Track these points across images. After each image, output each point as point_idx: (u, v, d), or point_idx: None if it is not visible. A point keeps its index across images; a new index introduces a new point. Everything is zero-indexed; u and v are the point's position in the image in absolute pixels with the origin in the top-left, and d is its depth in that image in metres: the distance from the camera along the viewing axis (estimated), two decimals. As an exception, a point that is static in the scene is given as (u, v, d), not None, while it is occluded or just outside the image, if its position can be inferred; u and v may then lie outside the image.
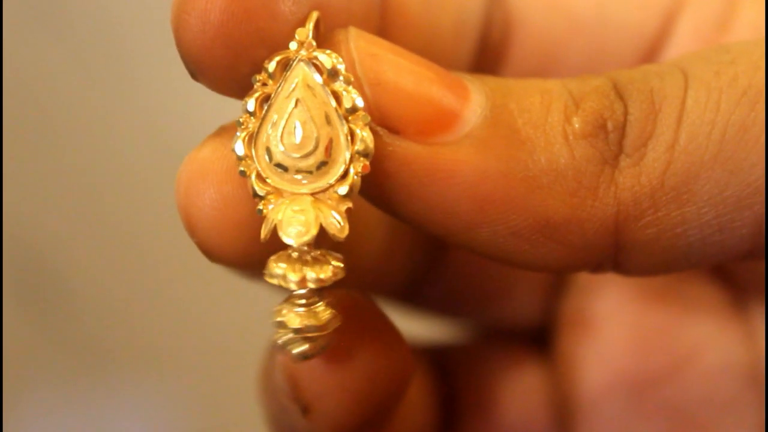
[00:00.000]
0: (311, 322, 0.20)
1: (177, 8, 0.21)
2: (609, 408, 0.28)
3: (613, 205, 0.21)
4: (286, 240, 0.20)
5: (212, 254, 0.22)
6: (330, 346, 0.21)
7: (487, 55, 0.26)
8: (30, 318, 0.57)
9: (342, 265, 0.20)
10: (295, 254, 0.20)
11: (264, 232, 0.20)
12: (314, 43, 0.21)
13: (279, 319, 0.20)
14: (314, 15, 0.21)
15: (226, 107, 0.23)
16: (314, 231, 0.20)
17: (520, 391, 0.30)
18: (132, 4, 0.55)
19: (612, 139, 0.21)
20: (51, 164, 0.57)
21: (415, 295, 0.30)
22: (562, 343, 0.29)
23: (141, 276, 0.57)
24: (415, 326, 0.30)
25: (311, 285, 0.20)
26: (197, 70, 0.21)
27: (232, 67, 0.21)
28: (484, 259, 0.29)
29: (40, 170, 0.57)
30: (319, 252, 0.20)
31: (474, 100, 0.21)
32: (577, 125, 0.21)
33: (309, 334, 0.20)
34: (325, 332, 0.21)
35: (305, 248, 0.20)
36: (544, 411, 0.30)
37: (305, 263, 0.20)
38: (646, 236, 0.21)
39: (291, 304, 0.20)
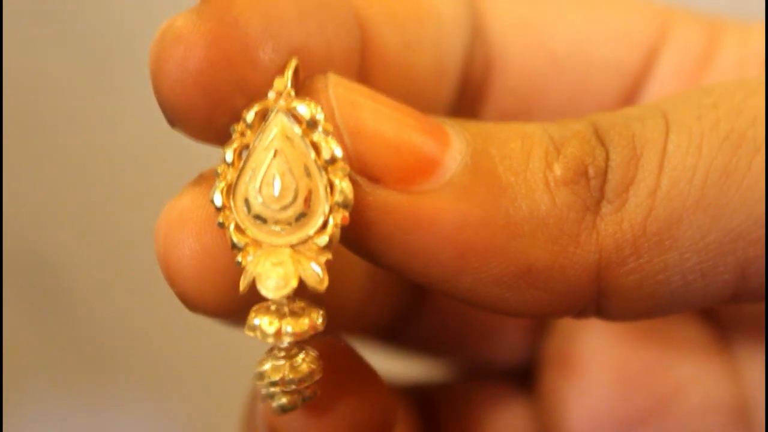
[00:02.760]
0: (290, 375, 0.20)
1: (155, 55, 0.21)
2: None
3: (595, 251, 0.20)
4: (265, 293, 0.20)
5: (192, 304, 0.22)
6: (312, 398, 0.21)
7: (468, 95, 0.26)
8: (30, 319, 0.57)
9: (321, 318, 0.21)
10: (273, 307, 0.20)
11: (243, 285, 0.20)
12: (293, 93, 0.21)
13: (259, 370, 0.21)
14: (293, 63, 0.21)
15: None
16: (293, 284, 0.20)
17: (504, 430, 0.30)
18: (133, 5, 0.55)
19: (593, 186, 0.21)
20: (51, 165, 0.56)
21: (397, 336, 0.30)
22: (545, 383, 0.29)
23: (141, 277, 0.57)
24: (397, 365, 0.31)
25: (287, 339, 0.20)
26: (175, 118, 0.21)
27: (210, 115, 0.21)
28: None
29: (41, 171, 0.56)
30: (298, 305, 0.20)
31: (454, 147, 0.21)
32: (558, 172, 0.21)
33: (288, 388, 0.21)
34: (304, 385, 0.21)
35: (284, 301, 0.20)
36: None
37: (283, 316, 0.20)
38: (628, 282, 0.21)
39: (272, 356, 0.21)
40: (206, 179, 0.22)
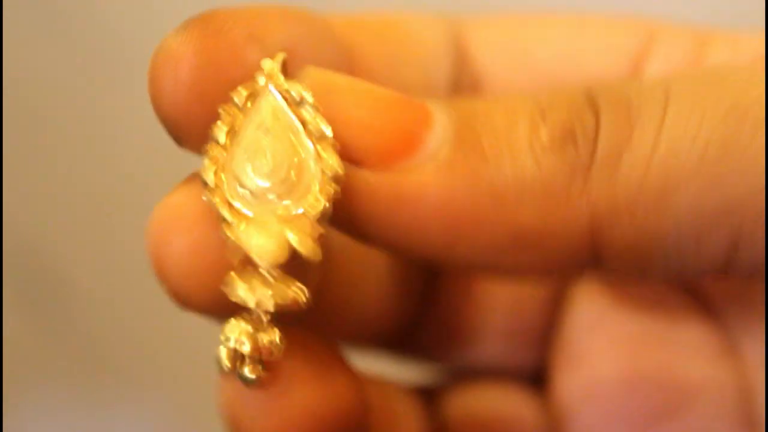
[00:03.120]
0: (261, 339, 0.20)
1: (151, 77, 0.21)
2: None
3: (586, 213, 0.20)
4: (258, 261, 0.20)
5: (183, 301, 0.22)
6: (271, 372, 0.21)
7: None
8: (30, 319, 0.57)
9: (305, 294, 0.20)
10: (260, 275, 0.20)
11: (235, 256, 0.20)
12: (281, 76, 0.21)
13: (227, 333, 0.21)
14: (280, 55, 0.21)
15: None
16: (285, 253, 0.20)
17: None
18: (133, 5, 0.55)
19: (582, 151, 0.20)
20: (51, 165, 0.56)
21: (403, 343, 0.30)
22: (556, 381, 0.29)
23: (141, 277, 0.57)
24: (401, 369, 0.30)
25: (268, 306, 0.20)
26: (180, 134, 0.21)
27: (210, 124, 0.21)
28: (475, 302, 0.28)
29: (41, 171, 0.56)
30: (285, 277, 0.20)
31: (437, 123, 0.20)
32: (543, 137, 0.20)
33: (240, 350, 0.21)
34: (271, 352, 0.21)
35: (274, 271, 0.20)
36: None
37: (268, 284, 0.20)
38: (622, 243, 0.21)
39: (241, 320, 0.21)
40: (199, 177, 0.21)
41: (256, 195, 0.21)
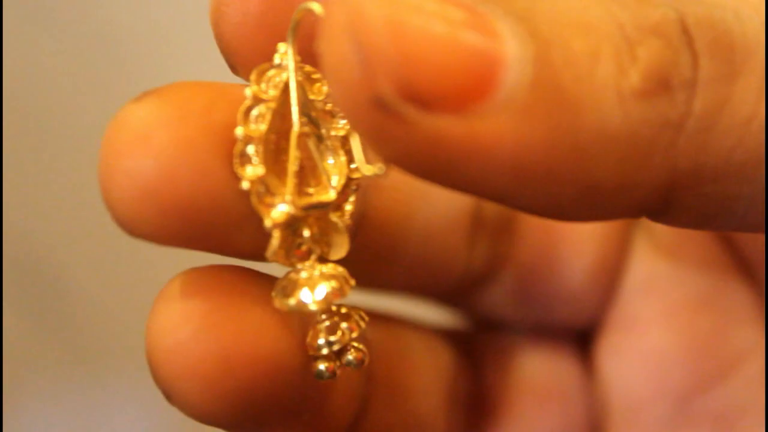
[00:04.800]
0: (348, 325, 0.20)
1: (215, 2, 0.20)
2: (651, 415, 0.27)
3: (669, 170, 0.18)
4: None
5: (133, 230, 0.19)
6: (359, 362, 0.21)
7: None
8: (30, 318, 0.57)
9: (348, 280, 0.20)
10: (303, 274, 0.20)
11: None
12: (299, 62, 0.20)
13: (328, 339, 0.20)
14: (296, 18, 0.20)
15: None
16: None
17: (558, 398, 0.28)
18: (134, 5, 0.55)
19: (678, 99, 0.17)
20: (51, 165, 0.56)
21: (467, 298, 0.28)
22: (603, 344, 0.28)
23: (141, 276, 0.57)
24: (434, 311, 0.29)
25: (335, 300, 0.20)
26: (237, 63, 0.20)
27: (270, 59, 0.20)
28: (550, 263, 0.27)
29: (40, 172, 0.57)
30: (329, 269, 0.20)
31: (512, 55, 0.17)
32: (634, 80, 0.17)
33: (350, 339, 0.20)
34: (361, 327, 0.21)
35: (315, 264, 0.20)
36: (582, 422, 0.28)
37: (321, 278, 0.20)
38: (696, 204, 0.18)
39: (323, 324, 0.20)
40: (168, 91, 0.19)
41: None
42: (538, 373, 0.28)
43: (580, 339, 0.29)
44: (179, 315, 0.19)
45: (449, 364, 0.27)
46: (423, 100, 0.16)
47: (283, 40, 0.20)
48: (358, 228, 0.23)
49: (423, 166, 0.17)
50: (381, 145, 0.17)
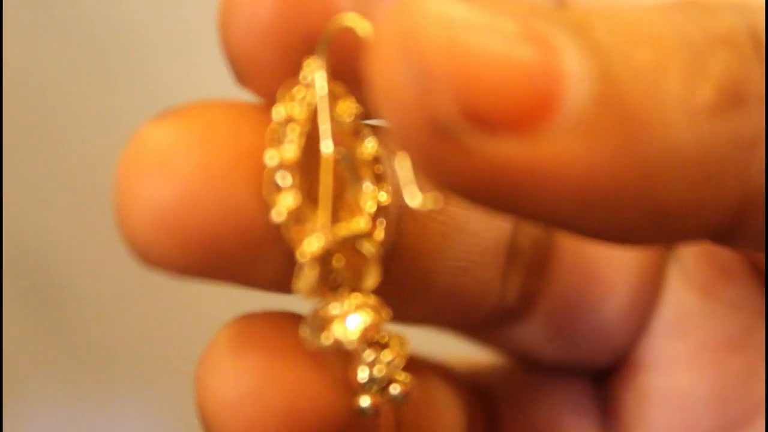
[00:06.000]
0: (387, 356, 0.19)
1: (223, 7, 0.19)
2: None
3: (742, 192, 0.17)
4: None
5: (151, 261, 0.18)
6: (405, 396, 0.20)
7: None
8: (30, 318, 0.57)
9: (386, 311, 0.19)
10: (334, 311, 0.19)
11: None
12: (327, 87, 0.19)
13: (374, 375, 0.19)
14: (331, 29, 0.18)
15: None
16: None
17: None
18: (134, 4, 0.55)
19: (753, 115, 0.16)
20: (51, 164, 0.56)
21: (497, 332, 0.27)
22: (629, 384, 0.27)
23: (141, 276, 0.57)
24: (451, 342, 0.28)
25: (377, 329, 0.19)
26: (244, 75, 0.19)
27: (282, 71, 0.19)
28: (586, 300, 0.26)
29: (40, 171, 0.57)
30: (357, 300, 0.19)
31: (572, 70, 0.16)
32: (705, 96, 0.16)
33: (394, 371, 0.19)
34: (404, 358, 0.20)
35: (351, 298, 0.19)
36: None
37: (355, 309, 0.19)
38: (759, 225, 0.17)
39: (363, 359, 0.19)
40: (192, 111, 0.19)
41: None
42: (554, 413, 0.28)
43: (599, 376, 0.28)
44: (238, 368, 0.19)
45: (467, 402, 0.26)
46: (483, 121, 0.15)
47: (298, 49, 0.18)
48: (391, 258, 0.21)
49: (483, 193, 0.16)
50: (437, 172, 0.16)
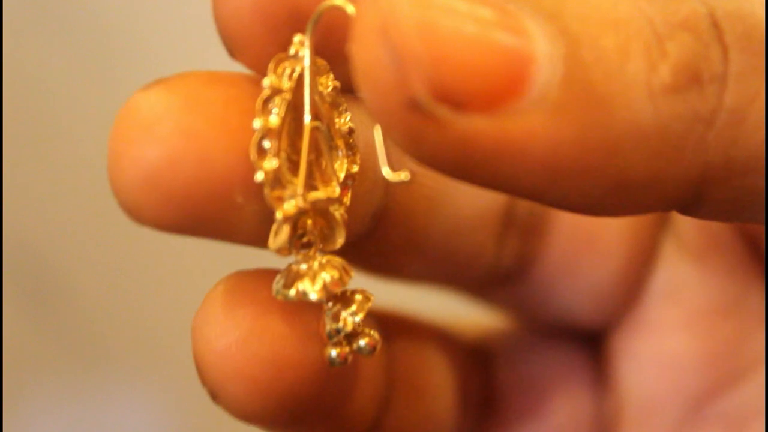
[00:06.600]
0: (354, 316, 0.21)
1: None
2: (664, 417, 0.27)
3: (700, 165, 0.18)
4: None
5: (140, 218, 0.19)
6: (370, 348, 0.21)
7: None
8: (30, 317, 0.57)
9: (348, 270, 0.21)
10: (301, 267, 0.20)
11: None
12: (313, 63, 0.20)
13: (334, 327, 0.21)
14: (319, 10, 0.20)
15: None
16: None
17: (567, 398, 0.28)
18: (134, 4, 0.56)
19: (709, 93, 0.17)
20: (51, 165, 0.57)
21: (493, 292, 0.28)
22: (622, 347, 0.28)
23: (141, 275, 0.57)
24: (450, 302, 0.29)
25: (339, 288, 0.20)
26: (234, 47, 0.20)
27: (270, 44, 0.20)
28: (579, 263, 0.27)
29: (41, 171, 0.57)
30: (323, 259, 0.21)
31: (542, 53, 0.17)
32: (664, 76, 0.17)
33: (358, 325, 0.21)
34: (365, 309, 0.21)
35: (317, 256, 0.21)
36: (590, 421, 0.28)
37: (320, 269, 0.20)
38: (724, 197, 0.18)
39: (329, 312, 0.21)
40: (179, 79, 0.20)
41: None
42: (548, 373, 0.28)
43: (592, 338, 0.29)
44: (228, 320, 0.20)
45: (461, 362, 0.27)
46: (456, 100, 0.16)
47: (285, 24, 0.20)
48: (380, 221, 0.23)
49: (456, 165, 0.17)
50: (413, 147, 0.17)
